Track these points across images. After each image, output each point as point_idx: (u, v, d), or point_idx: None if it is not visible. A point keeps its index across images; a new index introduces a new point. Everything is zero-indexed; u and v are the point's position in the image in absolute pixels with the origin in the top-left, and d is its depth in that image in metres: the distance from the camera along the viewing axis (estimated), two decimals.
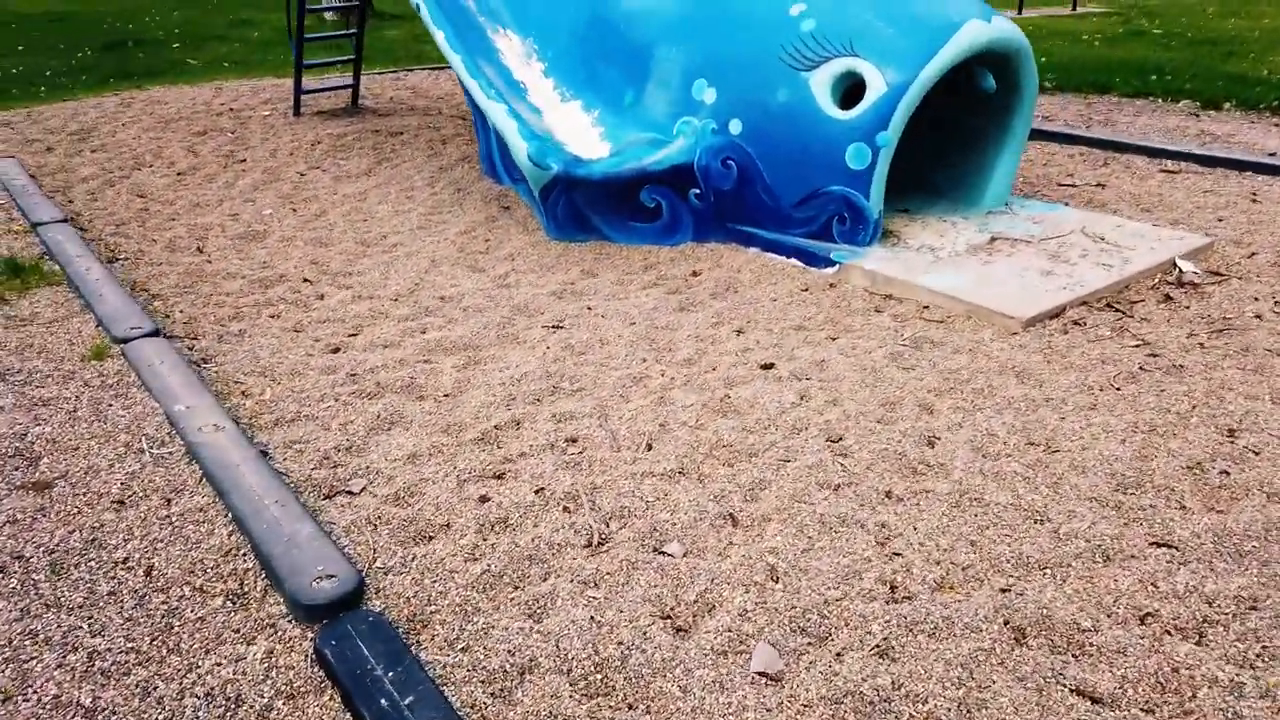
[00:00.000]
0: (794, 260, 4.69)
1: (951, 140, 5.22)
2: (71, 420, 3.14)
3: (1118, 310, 3.98)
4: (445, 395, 3.41)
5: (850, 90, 4.54)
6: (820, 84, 4.48)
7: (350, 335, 3.98)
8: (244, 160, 6.87)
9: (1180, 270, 4.28)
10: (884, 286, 4.31)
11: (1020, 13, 14.86)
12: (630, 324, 4.05)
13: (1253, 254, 4.53)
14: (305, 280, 4.62)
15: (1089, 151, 6.59)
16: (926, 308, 4.11)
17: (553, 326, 4.05)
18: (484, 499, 2.74)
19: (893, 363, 3.61)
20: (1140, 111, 7.80)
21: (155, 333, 3.77)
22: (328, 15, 12.75)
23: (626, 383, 3.51)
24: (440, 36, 5.61)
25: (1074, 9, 15.41)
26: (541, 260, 4.88)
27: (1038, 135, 6.97)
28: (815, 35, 4.51)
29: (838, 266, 4.49)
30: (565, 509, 2.70)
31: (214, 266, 4.80)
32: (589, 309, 4.23)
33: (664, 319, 4.09)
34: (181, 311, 4.19)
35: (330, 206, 5.84)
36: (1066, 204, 5.38)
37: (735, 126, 4.77)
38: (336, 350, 3.82)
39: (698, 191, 4.94)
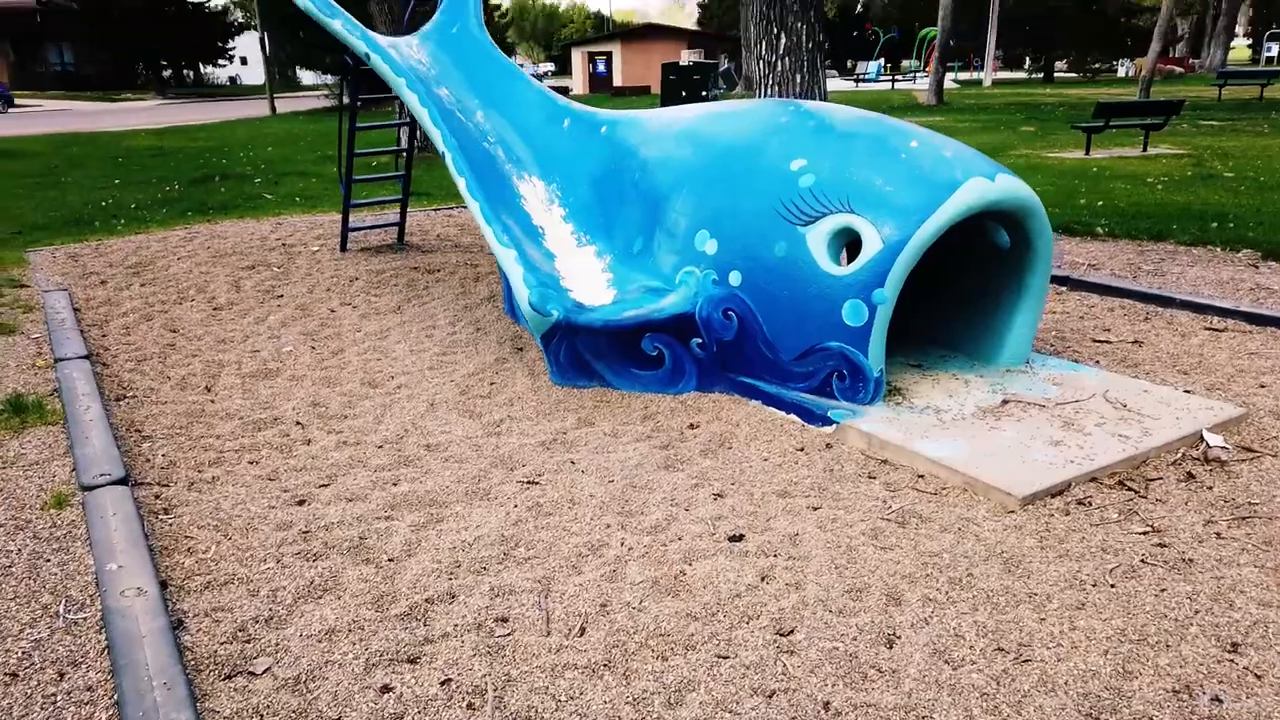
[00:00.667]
0: (794, 416, 4.50)
1: (969, 295, 5.03)
2: (3, 576, 3.10)
3: (1130, 489, 3.65)
4: (390, 560, 3.28)
5: (852, 246, 4.43)
6: (817, 239, 4.37)
7: (320, 486, 3.91)
8: (281, 295, 7.07)
9: (1207, 445, 3.93)
10: (880, 450, 4.07)
11: (1088, 154, 14.67)
12: (608, 482, 3.89)
13: None
14: (298, 423, 4.62)
15: (1131, 304, 6.27)
16: (922, 476, 3.85)
17: (527, 482, 3.91)
18: (386, 689, 2.56)
19: (871, 540, 3.34)
20: (1195, 261, 7.46)
21: (123, 480, 3.76)
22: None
23: (583, 551, 3.32)
24: (462, 184, 5.73)
25: (1144, 150, 15.15)
26: (540, 406, 4.79)
27: (1078, 285, 6.70)
28: (814, 191, 4.44)
29: (835, 426, 4.28)
30: (469, 705, 2.49)
31: (215, 406, 4.85)
32: (571, 463, 4.10)
33: (644, 478, 3.92)
34: (164, 455, 4.20)
35: (350, 344, 5.92)
36: (1096, 363, 5.08)
37: (735, 278, 4.68)
38: (302, 502, 3.75)
39: (700, 341, 4.84)
